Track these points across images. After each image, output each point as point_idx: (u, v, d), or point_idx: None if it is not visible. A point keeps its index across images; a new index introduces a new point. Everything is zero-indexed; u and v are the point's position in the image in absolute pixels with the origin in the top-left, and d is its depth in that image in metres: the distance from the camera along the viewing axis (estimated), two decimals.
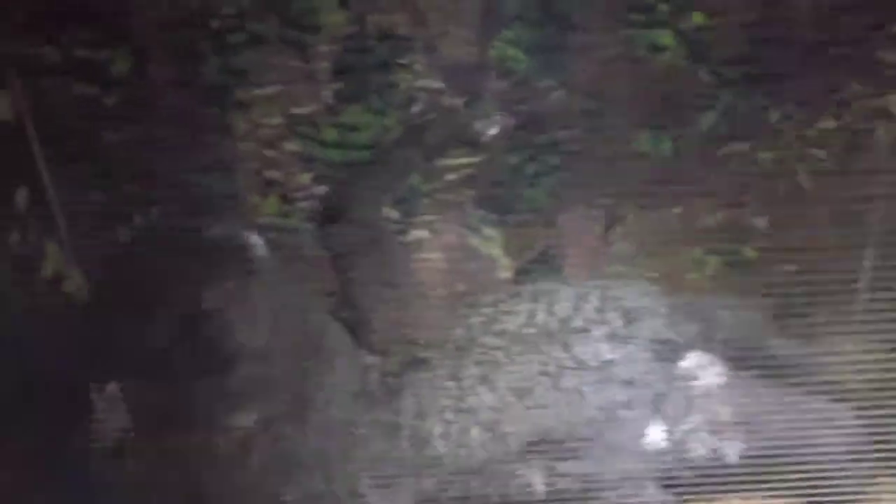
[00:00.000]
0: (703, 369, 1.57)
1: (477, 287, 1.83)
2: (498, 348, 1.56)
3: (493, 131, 1.69)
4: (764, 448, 1.53)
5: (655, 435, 1.53)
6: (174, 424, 1.53)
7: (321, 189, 1.76)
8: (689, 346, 1.59)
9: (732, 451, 1.53)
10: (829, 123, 1.78)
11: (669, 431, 1.53)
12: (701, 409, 1.54)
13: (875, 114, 1.77)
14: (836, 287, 1.65)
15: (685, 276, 1.86)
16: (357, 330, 1.61)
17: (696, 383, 1.56)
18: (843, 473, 1.54)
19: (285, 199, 1.78)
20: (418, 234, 1.84)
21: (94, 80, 1.67)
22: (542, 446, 1.50)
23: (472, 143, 1.72)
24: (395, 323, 1.62)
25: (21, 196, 1.63)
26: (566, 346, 1.53)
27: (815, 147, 1.80)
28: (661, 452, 1.52)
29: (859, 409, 1.58)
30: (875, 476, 1.57)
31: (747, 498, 1.54)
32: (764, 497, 1.54)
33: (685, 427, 1.53)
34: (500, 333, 1.57)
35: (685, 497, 1.54)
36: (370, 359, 1.60)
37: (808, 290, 1.65)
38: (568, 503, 1.50)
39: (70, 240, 1.71)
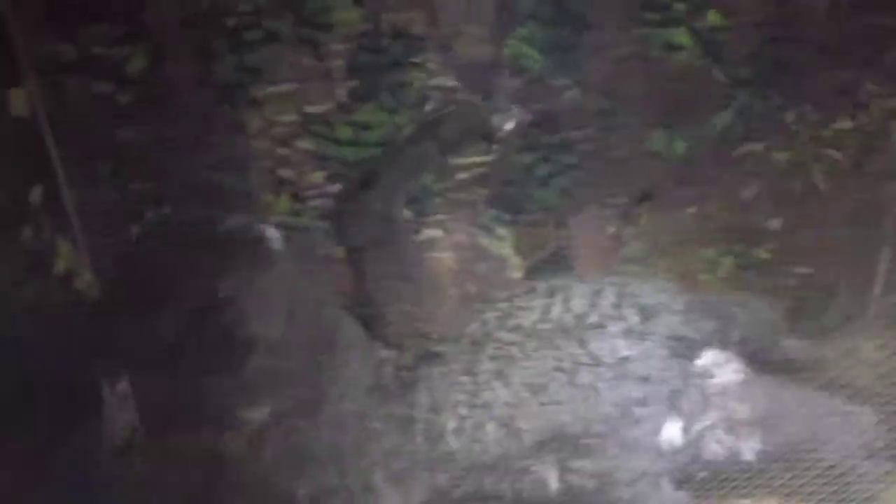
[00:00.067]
0: (720, 367, 1.55)
1: (487, 287, 1.83)
2: (513, 343, 1.54)
3: (510, 126, 1.68)
4: (781, 445, 1.52)
5: (671, 432, 1.51)
6: (186, 419, 1.53)
7: (334, 187, 1.76)
8: (706, 344, 1.57)
9: (749, 449, 1.52)
10: (845, 124, 1.78)
11: (685, 429, 1.51)
12: (717, 406, 1.52)
13: (891, 114, 1.77)
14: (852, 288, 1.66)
15: (699, 277, 1.85)
16: (371, 324, 1.60)
17: (712, 381, 1.54)
18: (860, 472, 1.53)
19: (297, 197, 1.79)
20: (431, 233, 1.83)
21: (110, 77, 1.67)
22: (557, 443, 1.48)
23: (489, 138, 1.72)
24: (409, 317, 1.61)
25: (35, 194, 1.62)
26: (582, 342, 1.52)
27: (830, 147, 1.80)
28: (676, 450, 1.51)
29: (877, 408, 1.57)
30: (893, 475, 1.56)
31: (763, 497, 1.53)
32: (781, 497, 1.53)
33: (701, 425, 1.51)
34: (516, 328, 1.56)
35: (700, 494, 1.52)
36: (384, 352, 1.58)
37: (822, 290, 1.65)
38: (582, 500, 1.48)
39: (83, 237, 1.72)
